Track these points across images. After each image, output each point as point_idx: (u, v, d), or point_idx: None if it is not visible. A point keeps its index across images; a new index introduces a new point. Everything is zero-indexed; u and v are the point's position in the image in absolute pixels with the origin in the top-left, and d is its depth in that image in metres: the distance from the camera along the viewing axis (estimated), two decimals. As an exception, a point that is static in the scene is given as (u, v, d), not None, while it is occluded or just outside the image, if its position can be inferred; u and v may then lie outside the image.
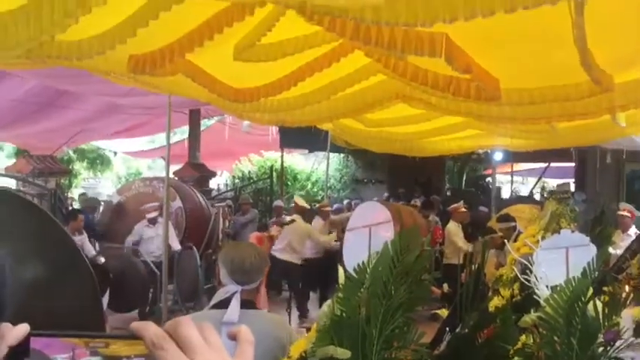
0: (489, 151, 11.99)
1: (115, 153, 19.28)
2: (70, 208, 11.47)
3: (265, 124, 9.76)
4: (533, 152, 8.82)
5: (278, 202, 12.19)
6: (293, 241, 9.28)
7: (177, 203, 10.26)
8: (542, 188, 20.05)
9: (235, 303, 2.65)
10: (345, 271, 2.12)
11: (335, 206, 12.85)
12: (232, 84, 3.96)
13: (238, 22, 2.64)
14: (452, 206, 10.65)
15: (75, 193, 17.84)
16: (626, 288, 3.36)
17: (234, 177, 20.75)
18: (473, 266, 2.60)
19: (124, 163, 24.61)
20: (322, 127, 6.97)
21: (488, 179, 19.09)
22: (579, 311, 2.07)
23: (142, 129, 14.17)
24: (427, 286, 2.08)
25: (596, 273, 2.24)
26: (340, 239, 8.83)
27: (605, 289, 2.67)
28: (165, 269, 6.82)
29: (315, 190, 20.75)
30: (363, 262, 2.00)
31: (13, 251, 1.02)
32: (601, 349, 2.09)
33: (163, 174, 7.45)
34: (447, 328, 2.48)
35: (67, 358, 0.71)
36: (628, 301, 2.30)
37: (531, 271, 2.53)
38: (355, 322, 1.93)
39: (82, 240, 8.54)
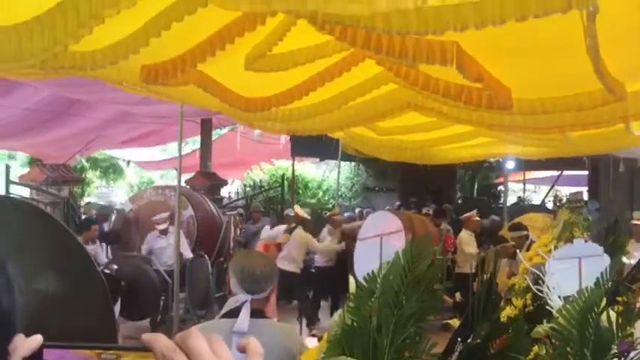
0: (501, 159, 11.93)
1: (128, 162, 19.39)
2: (83, 217, 11.53)
3: (276, 133, 9.79)
4: (545, 160, 8.77)
5: (289, 211, 12.20)
6: (292, 250, 9.31)
7: (189, 212, 10.29)
8: (555, 197, 19.88)
9: (245, 312, 2.64)
10: (356, 280, 2.12)
11: (346, 214, 12.84)
12: (244, 93, 3.98)
13: (250, 32, 2.66)
14: (465, 215, 10.59)
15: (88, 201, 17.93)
16: (640, 298, 3.32)
17: (245, 185, 20.80)
18: (485, 275, 2.58)
19: (137, 172, 24.70)
20: (333, 135, 6.98)
21: (500, 187, 18.98)
22: (592, 322, 2.05)
23: (154, 137, 14.25)
24: (439, 295, 2.07)
25: (610, 283, 2.21)
26: (351, 248, 8.83)
27: (618, 299, 2.63)
28: (176, 277, 6.83)
29: (327, 198, 20.73)
30: (373, 272, 1.99)
31: (28, 262, 1.03)
32: (615, 360, 2.07)
33: (175, 183, 7.47)
34: (459, 339, 2.46)
35: (80, 370, 0.72)
36: (642, 312, 2.28)
37: (544, 281, 2.51)
38: (366, 332, 1.92)
39: (95, 249, 8.57)
